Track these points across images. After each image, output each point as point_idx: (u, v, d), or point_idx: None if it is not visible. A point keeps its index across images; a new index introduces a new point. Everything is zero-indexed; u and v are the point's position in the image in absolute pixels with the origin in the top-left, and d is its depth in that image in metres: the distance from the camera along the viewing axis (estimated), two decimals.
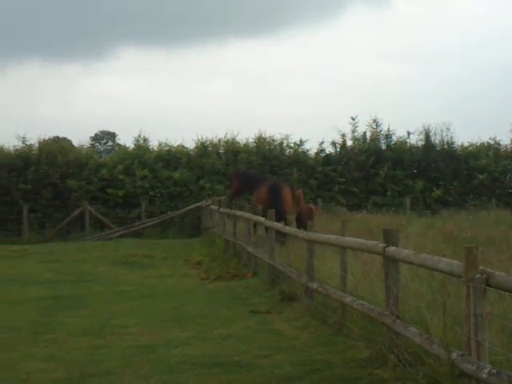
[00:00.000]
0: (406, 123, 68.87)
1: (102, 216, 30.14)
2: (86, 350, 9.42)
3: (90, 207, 29.69)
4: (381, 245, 7.99)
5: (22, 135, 31.65)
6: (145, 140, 33.26)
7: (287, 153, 32.95)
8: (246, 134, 39.47)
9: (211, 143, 32.86)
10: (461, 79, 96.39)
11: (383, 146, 33.62)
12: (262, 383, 7.63)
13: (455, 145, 34.39)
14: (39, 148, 31.50)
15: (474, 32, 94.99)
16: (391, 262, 7.79)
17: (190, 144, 33.26)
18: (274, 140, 33.04)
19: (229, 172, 30.63)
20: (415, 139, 34.23)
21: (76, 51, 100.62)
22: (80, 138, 35.37)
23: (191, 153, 32.69)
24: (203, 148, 32.66)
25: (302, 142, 33.18)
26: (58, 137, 39.62)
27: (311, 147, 33.46)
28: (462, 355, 5.92)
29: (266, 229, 15.85)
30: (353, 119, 33.48)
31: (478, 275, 5.63)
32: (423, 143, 34.07)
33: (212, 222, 25.62)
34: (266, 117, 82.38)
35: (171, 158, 32.44)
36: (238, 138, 33.09)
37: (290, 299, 12.33)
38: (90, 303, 13.49)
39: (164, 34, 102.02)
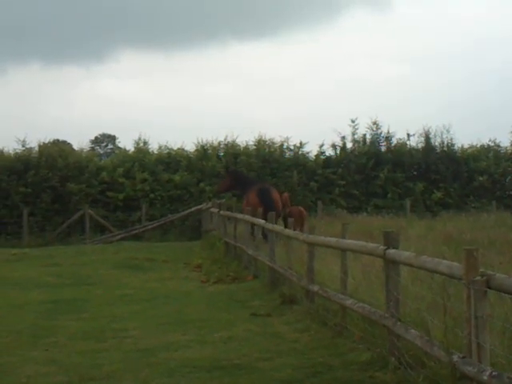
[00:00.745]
0: (406, 125, 68.85)
1: (103, 219, 30.12)
2: (86, 353, 9.40)
3: (90, 210, 29.63)
4: (381, 247, 7.98)
5: (21, 138, 31.73)
6: (145, 143, 33.28)
7: (287, 155, 32.96)
8: (246, 137, 39.59)
9: (211, 146, 32.86)
10: (461, 81, 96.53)
11: (382, 149, 33.68)
12: None
13: (455, 147, 34.45)
14: (39, 151, 31.46)
15: (473, 34, 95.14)
16: (392, 264, 7.79)
17: (190, 147, 33.39)
18: (273, 142, 33.06)
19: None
20: (415, 141, 34.34)
21: (77, 54, 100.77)
22: (80, 140, 35.47)
23: (191, 155, 32.70)
24: (203, 151, 32.66)
25: (301, 145, 33.21)
26: (57, 140, 39.68)
27: (311, 150, 33.57)
28: (463, 357, 5.91)
29: (264, 231, 16.00)
30: (353, 121, 33.57)
31: (479, 277, 5.62)
32: (423, 145, 34.09)
33: (212, 225, 25.62)
34: (266, 119, 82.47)
35: (171, 160, 32.44)
36: (238, 141, 33.18)
37: (290, 302, 12.30)
38: (91, 307, 13.46)
39: (164, 37, 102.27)
